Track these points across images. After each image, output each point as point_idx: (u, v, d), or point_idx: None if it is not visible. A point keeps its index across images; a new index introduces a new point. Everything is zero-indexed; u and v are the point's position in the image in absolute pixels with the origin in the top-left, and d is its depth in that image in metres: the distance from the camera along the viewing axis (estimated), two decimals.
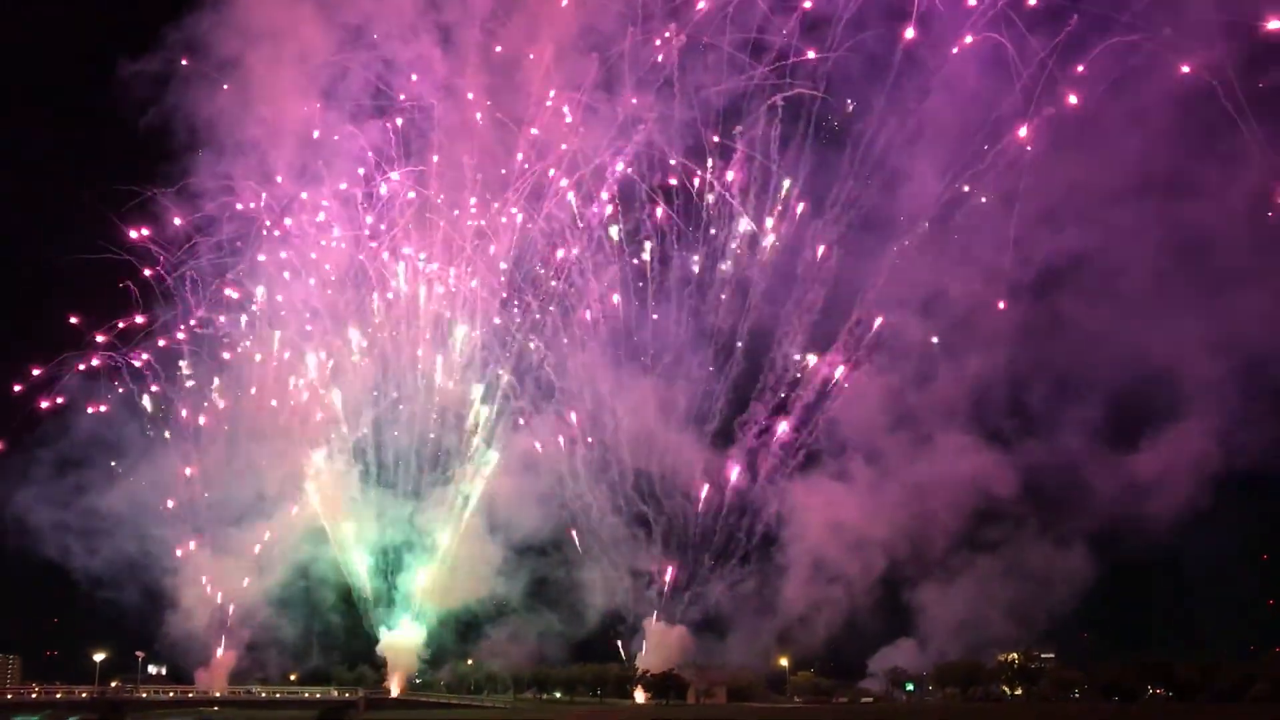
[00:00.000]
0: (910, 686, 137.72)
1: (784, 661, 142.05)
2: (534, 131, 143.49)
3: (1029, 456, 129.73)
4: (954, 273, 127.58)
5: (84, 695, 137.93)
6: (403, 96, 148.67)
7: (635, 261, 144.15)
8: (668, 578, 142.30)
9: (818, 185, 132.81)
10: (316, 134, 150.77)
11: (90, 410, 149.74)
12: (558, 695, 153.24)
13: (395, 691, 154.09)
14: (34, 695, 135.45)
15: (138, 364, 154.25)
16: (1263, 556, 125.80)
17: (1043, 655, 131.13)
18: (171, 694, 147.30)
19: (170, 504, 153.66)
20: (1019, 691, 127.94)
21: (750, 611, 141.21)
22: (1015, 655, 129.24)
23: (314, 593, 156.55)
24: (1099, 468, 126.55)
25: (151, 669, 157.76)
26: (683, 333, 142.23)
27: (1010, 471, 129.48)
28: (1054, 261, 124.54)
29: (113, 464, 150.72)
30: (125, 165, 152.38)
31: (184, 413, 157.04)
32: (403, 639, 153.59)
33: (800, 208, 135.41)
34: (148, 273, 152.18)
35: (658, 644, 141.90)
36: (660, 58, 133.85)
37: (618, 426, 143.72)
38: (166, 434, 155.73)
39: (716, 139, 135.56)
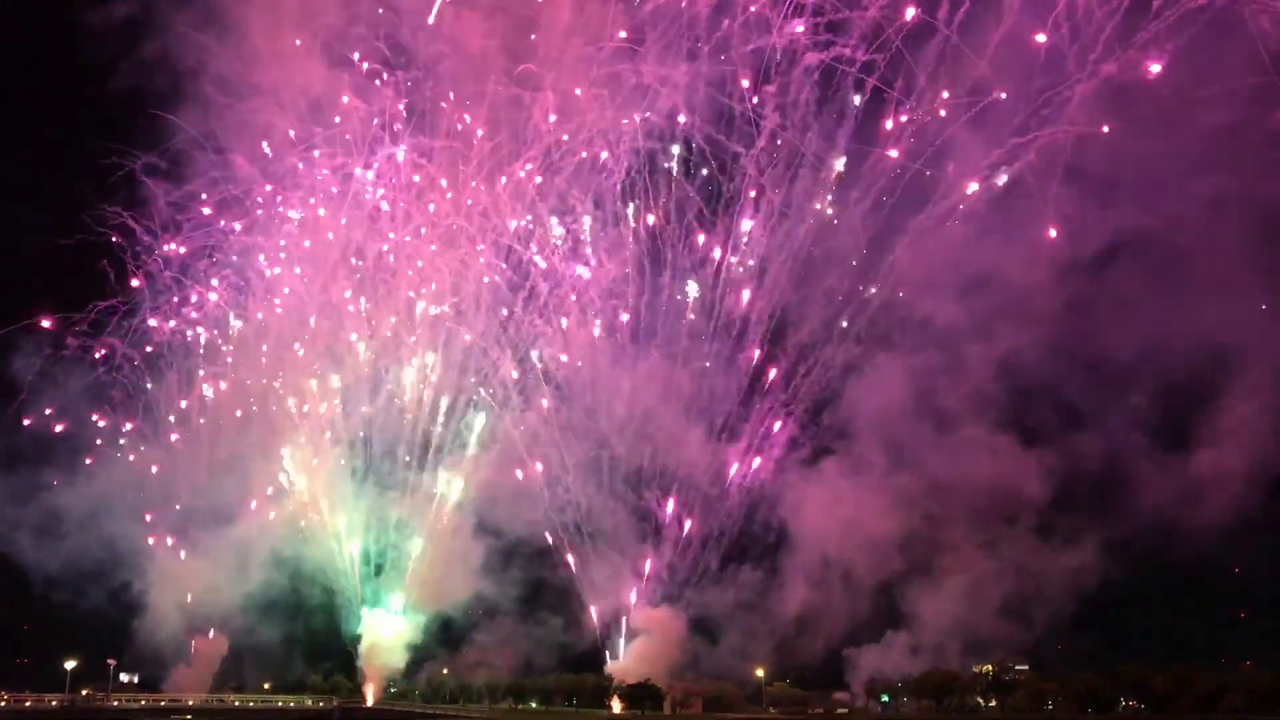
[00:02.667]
0: (886, 697, 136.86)
1: (760, 672, 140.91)
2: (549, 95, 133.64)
3: (1058, 454, 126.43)
4: (993, 251, 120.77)
5: (54, 704, 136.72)
6: (407, 57, 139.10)
7: (649, 240, 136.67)
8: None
9: (852, 156, 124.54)
10: (314, 98, 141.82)
11: (54, 400, 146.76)
12: (533, 705, 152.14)
13: (370, 700, 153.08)
14: (2, 704, 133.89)
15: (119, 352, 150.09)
16: (1235, 569, 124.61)
17: (1018, 667, 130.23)
18: (143, 702, 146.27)
19: (144, 503, 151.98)
20: (994, 703, 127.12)
21: (745, 615, 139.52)
22: (990, 666, 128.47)
23: (293, 597, 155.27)
24: (1132, 467, 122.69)
25: (124, 677, 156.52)
26: (695, 317, 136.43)
27: (1035, 470, 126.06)
28: (1106, 242, 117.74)
29: (80, 460, 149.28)
30: (99, 130, 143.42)
31: (163, 405, 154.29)
32: (384, 641, 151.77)
33: (837, 173, 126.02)
34: (125, 252, 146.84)
35: (647, 630, 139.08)
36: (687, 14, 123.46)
37: (619, 418, 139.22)
38: (139, 427, 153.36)
39: (750, 101, 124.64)
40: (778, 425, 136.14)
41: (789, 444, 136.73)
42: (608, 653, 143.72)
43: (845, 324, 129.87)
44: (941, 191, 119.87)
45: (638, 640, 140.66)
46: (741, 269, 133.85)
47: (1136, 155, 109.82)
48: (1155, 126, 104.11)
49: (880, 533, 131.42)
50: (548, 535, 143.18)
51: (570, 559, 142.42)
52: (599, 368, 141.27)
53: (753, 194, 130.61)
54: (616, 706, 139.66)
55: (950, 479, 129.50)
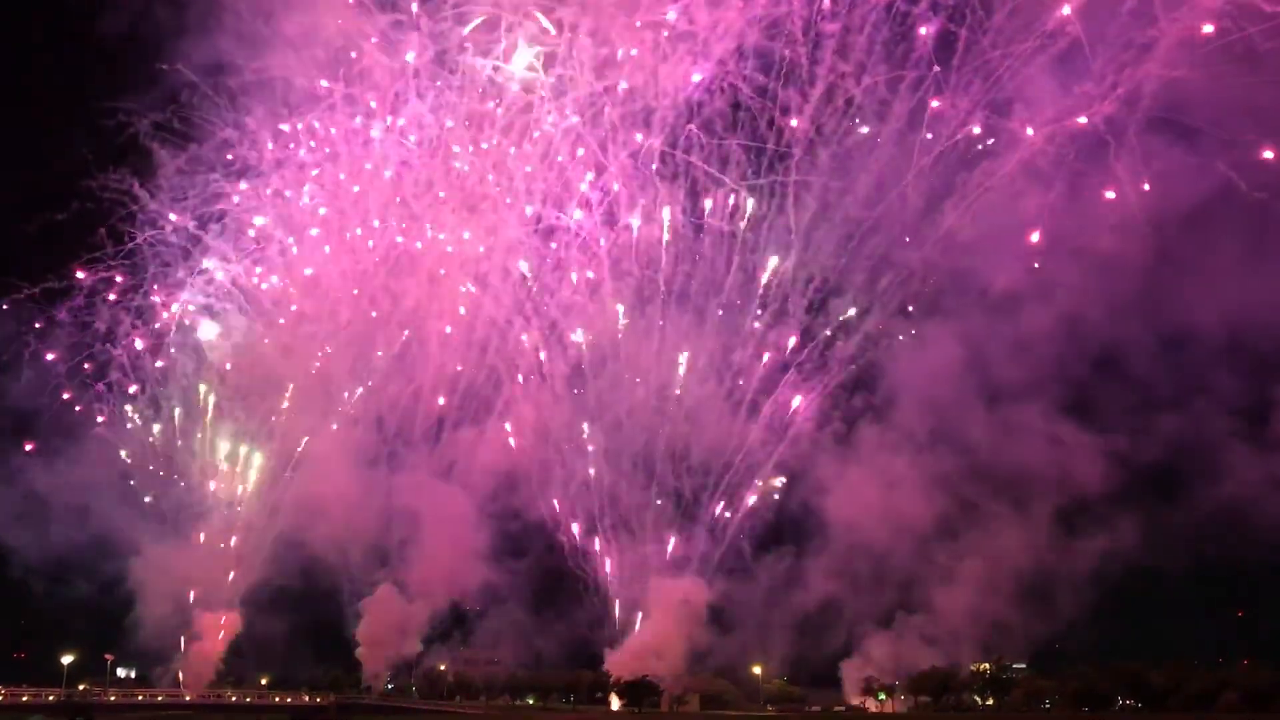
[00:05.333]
0: (883, 695, 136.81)
1: (757, 669, 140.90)
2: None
3: (1120, 438, 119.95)
4: (1064, 211, 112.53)
5: (51, 698, 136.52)
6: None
7: (689, 201, 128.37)
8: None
9: (915, 106, 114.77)
10: (334, 50, 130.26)
11: (50, 376, 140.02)
12: (530, 701, 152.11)
13: (369, 696, 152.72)
14: (0, 698, 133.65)
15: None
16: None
17: (1015, 665, 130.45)
18: (140, 697, 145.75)
19: (143, 488, 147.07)
20: (990, 701, 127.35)
21: (764, 602, 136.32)
22: (987, 665, 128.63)
23: (297, 587, 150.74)
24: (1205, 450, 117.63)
25: (121, 671, 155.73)
26: (733, 284, 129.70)
27: (1089, 454, 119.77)
28: (1189, 202, 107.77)
29: (74, 444, 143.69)
30: (95, 83, 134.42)
31: (166, 382, 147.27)
32: (386, 633, 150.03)
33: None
34: (129, 220, 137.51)
35: (662, 606, 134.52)
36: None
37: (645, 395, 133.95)
38: (138, 406, 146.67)
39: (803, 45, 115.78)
40: (798, 399, 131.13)
41: (823, 421, 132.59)
42: (611, 644, 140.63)
43: (895, 291, 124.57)
44: (1007, 143, 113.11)
45: (649, 623, 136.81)
46: (788, 230, 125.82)
47: (1230, 104, 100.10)
48: (1255, 72, 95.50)
49: (914, 519, 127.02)
50: (562, 519, 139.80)
51: (585, 544, 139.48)
52: (626, 340, 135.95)
53: (800, 151, 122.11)
54: (615, 703, 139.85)
55: (992, 462, 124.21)
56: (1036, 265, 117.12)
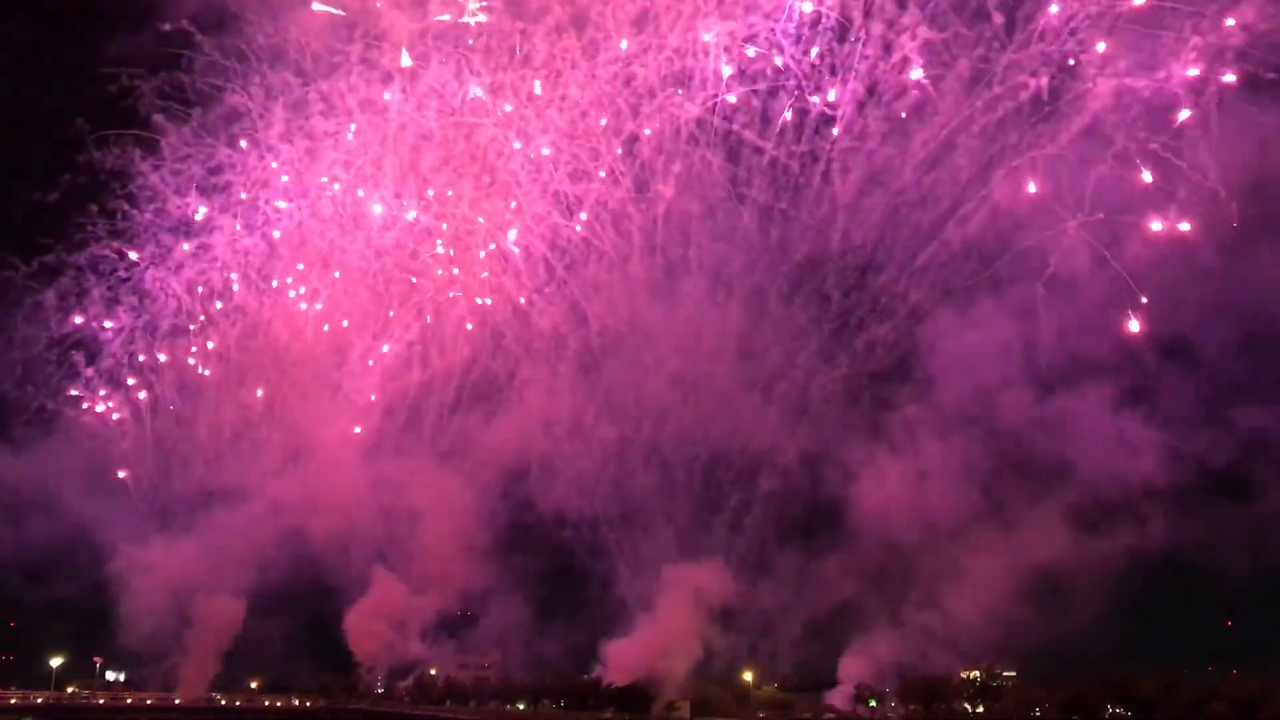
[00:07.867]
0: (874, 702, 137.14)
1: (748, 676, 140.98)
2: None
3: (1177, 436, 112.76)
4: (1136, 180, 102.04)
5: (39, 701, 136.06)
6: None
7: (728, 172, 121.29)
8: None
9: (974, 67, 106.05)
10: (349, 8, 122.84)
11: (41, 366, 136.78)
12: (520, 707, 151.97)
13: (359, 699, 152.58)
14: None
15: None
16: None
17: (1005, 673, 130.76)
18: (129, 700, 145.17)
19: (136, 482, 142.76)
20: (981, 709, 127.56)
21: (771, 607, 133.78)
22: (978, 672, 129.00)
23: (292, 589, 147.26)
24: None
25: (110, 675, 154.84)
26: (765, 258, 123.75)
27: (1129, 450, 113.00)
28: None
29: (65, 436, 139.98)
30: (90, 41, 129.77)
31: (163, 372, 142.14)
32: (381, 634, 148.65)
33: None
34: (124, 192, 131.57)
35: (675, 590, 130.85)
36: None
37: (667, 380, 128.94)
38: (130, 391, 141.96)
39: None
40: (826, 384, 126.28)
41: (853, 407, 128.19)
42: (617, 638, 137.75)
43: (939, 268, 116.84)
44: (1072, 104, 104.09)
45: (659, 616, 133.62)
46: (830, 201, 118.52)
47: None
48: None
49: (939, 514, 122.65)
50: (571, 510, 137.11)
51: (593, 538, 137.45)
52: (647, 319, 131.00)
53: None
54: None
55: (1022, 455, 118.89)
56: (1096, 240, 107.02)
